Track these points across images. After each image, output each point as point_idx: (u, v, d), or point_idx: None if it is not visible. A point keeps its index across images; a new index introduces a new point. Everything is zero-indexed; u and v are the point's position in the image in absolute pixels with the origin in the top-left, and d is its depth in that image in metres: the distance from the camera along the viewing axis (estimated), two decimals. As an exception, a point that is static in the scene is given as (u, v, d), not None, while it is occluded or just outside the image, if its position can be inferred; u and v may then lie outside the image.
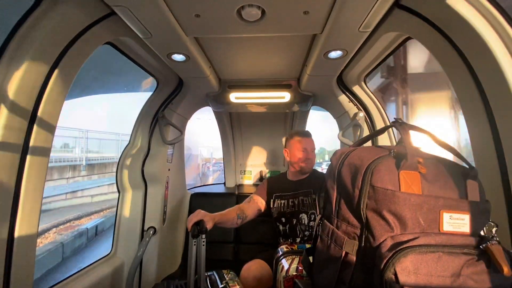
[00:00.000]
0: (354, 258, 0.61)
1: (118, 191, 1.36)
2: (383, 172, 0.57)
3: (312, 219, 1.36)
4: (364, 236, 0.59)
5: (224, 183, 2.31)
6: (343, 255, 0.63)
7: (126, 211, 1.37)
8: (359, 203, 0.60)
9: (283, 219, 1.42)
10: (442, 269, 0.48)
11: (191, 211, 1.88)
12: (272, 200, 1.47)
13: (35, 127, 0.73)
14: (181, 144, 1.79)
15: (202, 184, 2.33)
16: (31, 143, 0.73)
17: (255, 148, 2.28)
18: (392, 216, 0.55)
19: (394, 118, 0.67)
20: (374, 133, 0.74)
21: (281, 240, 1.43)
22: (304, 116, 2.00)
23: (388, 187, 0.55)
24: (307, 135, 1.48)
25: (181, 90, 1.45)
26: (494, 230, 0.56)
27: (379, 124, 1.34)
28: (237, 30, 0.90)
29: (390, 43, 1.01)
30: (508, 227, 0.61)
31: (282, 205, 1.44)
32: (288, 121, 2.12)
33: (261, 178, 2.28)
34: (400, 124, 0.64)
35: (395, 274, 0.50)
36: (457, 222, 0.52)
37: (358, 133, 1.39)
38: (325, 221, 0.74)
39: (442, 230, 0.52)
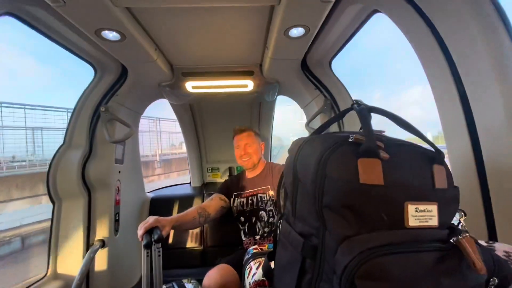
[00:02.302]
0: (313, 264, 0.51)
1: (52, 202, 1.15)
2: (338, 161, 0.48)
3: (271, 215, 1.33)
4: (322, 238, 0.50)
5: (190, 183, 2.15)
6: (300, 260, 0.54)
7: (65, 224, 1.17)
8: (315, 199, 0.50)
9: (242, 218, 1.38)
10: (411, 271, 0.40)
11: None
12: (232, 199, 1.42)
13: None
14: (135, 142, 1.60)
15: (163, 186, 2.13)
16: None
17: (221, 143, 2.14)
18: (351, 212, 0.45)
19: (354, 101, 0.59)
20: (332, 119, 0.64)
21: (244, 238, 1.39)
22: (270, 107, 1.91)
23: (345, 178, 0.46)
24: (237, 132, 1.47)
25: (126, 79, 1.26)
26: (462, 219, 0.50)
27: None
28: None
29: (353, 19, 0.94)
30: (483, 215, 0.55)
31: (241, 203, 1.40)
32: (255, 113, 2.01)
33: (230, 175, 2.16)
34: (358, 106, 0.55)
35: (355, 284, 0.41)
36: (424, 215, 0.44)
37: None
38: (284, 221, 0.64)
39: (408, 225, 0.44)
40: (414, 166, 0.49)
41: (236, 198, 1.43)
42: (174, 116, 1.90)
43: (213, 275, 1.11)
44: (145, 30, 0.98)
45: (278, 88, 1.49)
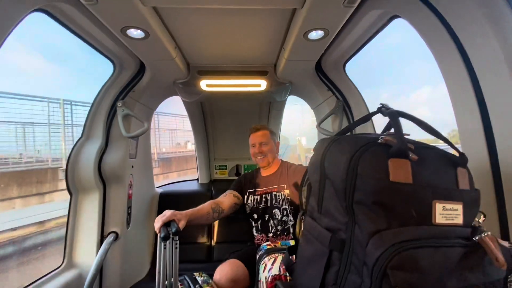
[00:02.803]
0: (340, 257, 0.54)
1: (70, 193, 1.17)
2: (370, 161, 0.51)
3: (285, 214, 1.34)
4: (351, 232, 0.53)
5: (198, 179, 2.17)
6: (327, 253, 0.57)
7: (81, 216, 1.19)
8: (345, 196, 0.53)
9: (255, 215, 1.40)
10: (439, 264, 0.43)
11: (160, 211, 1.72)
12: (246, 196, 1.44)
13: None
14: (147, 138, 1.62)
15: (172, 182, 2.15)
16: None
17: (229, 141, 2.16)
18: (381, 208, 0.49)
19: (381, 104, 0.62)
20: (359, 121, 0.67)
21: (255, 234, 1.40)
22: (280, 107, 1.93)
23: (376, 177, 0.49)
24: (254, 130, 1.49)
25: (143, 76, 1.28)
26: (481, 220, 0.53)
27: (358, 113, 1.31)
28: None
29: (372, 24, 0.96)
30: (497, 216, 0.59)
31: (255, 201, 1.41)
32: (264, 113, 2.03)
33: (237, 173, 2.18)
34: (387, 110, 0.58)
35: (387, 273, 0.44)
36: (451, 213, 0.48)
37: (338, 122, 1.35)
38: (308, 216, 0.67)
39: (435, 222, 0.47)
40: (440, 168, 0.52)
41: (250, 195, 1.43)
42: (176, 111, 1.90)
43: (224, 269, 1.13)
44: (167, 29, 1.00)
45: (290, 88, 1.51)
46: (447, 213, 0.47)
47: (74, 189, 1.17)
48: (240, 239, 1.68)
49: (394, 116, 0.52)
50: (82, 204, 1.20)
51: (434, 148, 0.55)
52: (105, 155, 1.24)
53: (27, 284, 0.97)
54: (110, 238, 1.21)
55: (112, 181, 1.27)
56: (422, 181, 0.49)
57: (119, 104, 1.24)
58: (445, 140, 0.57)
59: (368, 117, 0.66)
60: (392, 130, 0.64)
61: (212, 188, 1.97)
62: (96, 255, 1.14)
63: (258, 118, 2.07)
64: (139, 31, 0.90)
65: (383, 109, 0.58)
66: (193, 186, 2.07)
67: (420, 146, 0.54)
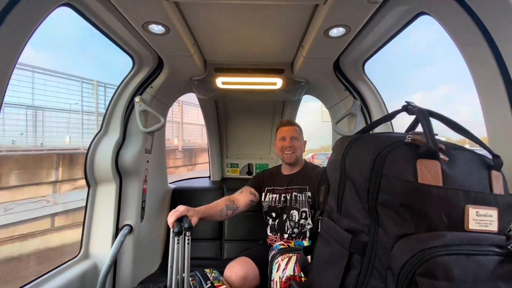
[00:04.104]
0: (362, 260, 0.52)
1: (88, 185, 1.20)
2: (397, 161, 0.49)
3: (303, 217, 1.30)
4: (374, 235, 0.51)
5: (209, 176, 2.18)
6: (347, 256, 0.55)
7: (98, 208, 1.22)
8: (368, 197, 0.51)
9: (273, 214, 1.36)
10: (472, 273, 0.41)
11: (172, 207, 1.74)
12: (264, 194, 1.41)
13: None
14: (162, 134, 1.64)
15: (185, 178, 2.18)
16: None
17: (242, 140, 2.16)
18: (409, 211, 0.46)
19: (406, 102, 0.59)
20: (383, 119, 0.65)
21: (269, 234, 1.37)
22: (295, 105, 1.91)
23: (403, 178, 0.47)
24: (286, 123, 1.44)
25: (160, 72, 1.29)
26: (515, 227, 0.50)
27: (377, 114, 1.27)
28: None
29: (395, 21, 0.92)
30: None
31: (273, 199, 1.37)
32: (278, 111, 2.02)
33: (249, 172, 2.18)
34: (413, 107, 0.56)
35: (415, 280, 0.42)
36: (485, 220, 0.45)
37: (355, 123, 1.32)
38: (326, 217, 0.66)
39: (468, 228, 0.44)
40: (473, 171, 0.49)
41: (268, 193, 1.39)
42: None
43: (234, 267, 1.13)
44: (187, 25, 1.00)
45: (306, 87, 1.49)
46: (481, 219, 0.44)
47: (92, 181, 1.20)
48: (251, 238, 1.67)
49: (424, 114, 0.49)
50: (99, 196, 1.23)
51: (465, 149, 0.52)
52: (122, 149, 1.26)
53: (46, 271, 1.00)
54: (125, 231, 1.23)
55: (128, 175, 1.29)
56: (453, 184, 0.46)
57: (137, 99, 1.26)
58: (478, 142, 0.54)
59: (392, 115, 0.64)
60: (417, 129, 0.62)
61: (223, 186, 1.97)
62: (112, 247, 1.17)
63: (272, 117, 2.06)
64: (160, 27, 0.91)
65: (410, 107, 0.55)
66: (205, 184, 2.08)
67: (450, 147, 0.51)
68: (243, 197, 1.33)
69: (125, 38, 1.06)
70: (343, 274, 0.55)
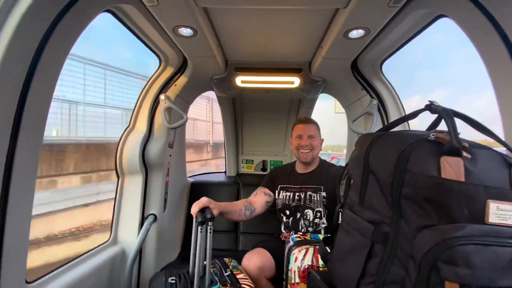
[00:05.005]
0: (383, 249, 0.56)
1: (118, 176, 1.29)
2: (421, 157, 0.52)
3: (318, 216, 1.31)
4: (396, 226, 0.54)
5: (225, 172, 2.25)
6: (369, 245, 0.59)
7: (126, 197, 1.31)
8: (393, 190, 0.55)
9: (287, 212, 1.38)
10: (491, 262, 0.44)
11: (191, 199, 1.82)
12: (277, 191, 1.42)
13: (28, 99, 0.65)
14: (183, 129, 1.72)
15: (202, 173, 2.26)
16: (23, 119, 0.65)
17: (257, 137, 2.21)
18: (432, 204, 0.50)
19: (429, 101, 0.62)
20: (406, 117, 0.68)
21: (283, 231, 1.40)
22: (310, 104, 1.94)
23: (427, 173, 0.50)
24: (304, 121, 1.41)
25: (184, 71, 1.36)
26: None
27: (394, 113, 1.29)
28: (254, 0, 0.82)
29: (415, 24, 0.94)
30: None
31: (287, 197, 1.38)
32: (294, 109, 2.05)
33: (263, 168, 2.23)
34: (437, 107, 0.58)
35: (437, 267, 0.45)
36: (505, 214, 0.47)
37: (371, 122, 1.34)
38: (347, 210, 0.70)
39: (488, 222, 0.47)
40: (494, 168, 0.52)
41: (282, 191, 1.40)
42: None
43: (252, 257, 1.18)
44: (213, 28, 1.06)
45: (323, 86, 1.52)
46: (501, 213, 0.47)
47: (121, 173, 1.29)
48: (266, 231, 1.73)
49: (449, 114, 0.52)
50: (127, 186, 1.31)
51: (487, 148, 0.55)
52: (148, 143, 1.34)
53: (82, 253, 1.10)
54: (150, 219, 1.31)
55: (153, 167, 1.37)
56: (474, 180, 0.49)
57: (162, 97, 1.33)
58: (501, 141, 0.56)
59: (415, 114, 0.66)
60: (439, 128, 0.64)
61: (239, 181, 2.03)
62: (138, 234, 1.25)
63: (287, 114, 2.10)
64: (188, 30, 0.96)
65: (434, 106, 0.58)
66: (221, 179, 2.15)
67: (473, 145, 0.54)
68: (258, 199, 1.35)
69: (154, 40, 1.13)
70: (365, 262, 0.59)
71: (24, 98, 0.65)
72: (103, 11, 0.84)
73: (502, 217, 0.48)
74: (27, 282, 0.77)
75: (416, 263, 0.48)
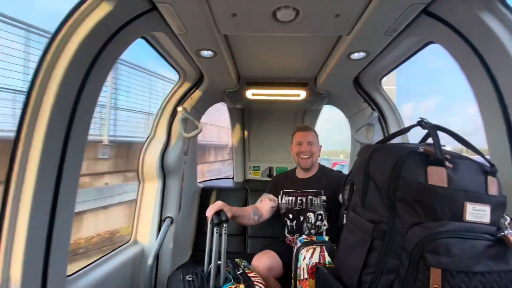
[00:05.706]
0: (381, 244, 0.67)
1: (139, 181, 1.40)
2: (412, 166, 0.63)
3: (319, 219, 1.39)
4: (392, 224, 0.65)
5: (233, 178, 2.36)
6: (370, 241, 0.69)
7: (146, 201, 1.42)
8: (389, 194, 0.65)
9: (291, 215, 1.46)
10: (467, 252, 0.54)
11: (201, 204, 1.92)
12: (280, 196, 1.50)
13: (76, 116, 0.77)
14: (195, 138, 1.84)
15: (210, 179, 2.37)
16: (71, 135, 0.77)
17: (264, 144, 2.33)
18: (420, 205, 0.61)
19: (420, 118, 0.73)
20: (399, 132, 0.79)
21: (287, 235, 1.47)
22: (315, 114, 2.06)
23: (417, 180, 0.61)
24: (303, 129, 1.50)
25: (200, 85, 1.49)
26: (507, 222, 0.63)
27: (393, 124, 1.40)
28: (269, 29, 0.95)
29: (410, 47, 1.06)
30: None
31: (290, 201, 1.46)
32: (299, 118, 2.17)
33: (269, 174, 2.34)
34: (426, 123, 0.70)
35: (424, 256, 0.56)
36: (479, 213, 0.58)
37: (372, 132, 1.45)
38: (351, 211, 0.80)
39: (466, 219, 0.58)
40: (472, 175, 0.63)
41: (284, 196, 1.47)
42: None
43: (261, 258, 1.28)
44: (230, 50, 1.19)
45: (328, 98, 1.64)
46: (476, 212, 0.58)
47: (142, 178, 1.41)
48: (272, 235, 1.82)
49: (433, 129, 0.64)
50: (147, 191, 1.43)
51: (467, 158, 0.66)
52: (167, 151, 1.46)
53: (107, 252, 1.20)
54: (168, 222, 1.42)
55: (171, 173, 1.49)
56: (455, 185, 0.60)
57: (180, 108, 1.46)
58: (478, 152, 0.67)
59: (407, 129, 0.78)
60: (429, 141, 0.76)
61: (246, 187, 2.14)
62: (158, 235, 1.36)
63: (293, 124, 2.22)
64: (209, 52, 1.10)
65: (423, 123, 0.70)
66: (229, 184, 2.26)
67: (455, 156, 0.65)
68: (264, 205, 1.43)
69: (177, 60, 1.26)
70: (366, 255, 0.69)
71: (76, 106, 0.77)
72: (139, 38, 0.97)
73: (477, 215, 0.59)
74: (66, 276, 0.88)
75: (408, 253, 0.59)
